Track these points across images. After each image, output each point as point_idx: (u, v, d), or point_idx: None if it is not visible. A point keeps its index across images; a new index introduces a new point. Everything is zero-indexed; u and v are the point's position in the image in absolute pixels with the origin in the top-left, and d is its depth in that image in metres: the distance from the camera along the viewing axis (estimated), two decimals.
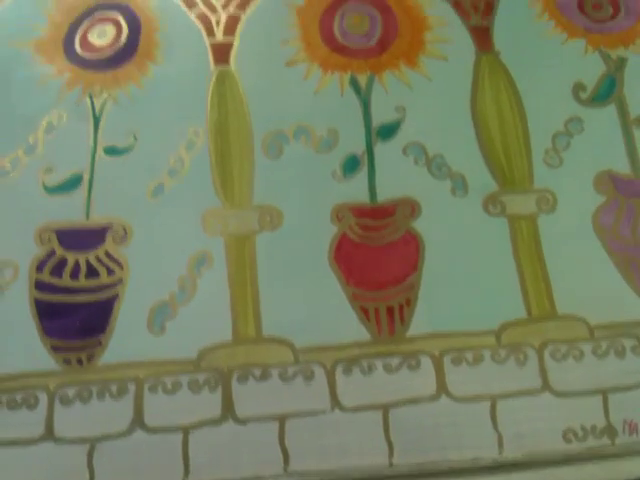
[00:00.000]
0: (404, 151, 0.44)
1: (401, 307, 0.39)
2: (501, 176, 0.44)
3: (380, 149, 0.44)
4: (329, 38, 0.47)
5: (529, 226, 0.43)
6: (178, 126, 0.44)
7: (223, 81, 0.45)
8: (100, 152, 0.43)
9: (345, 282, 0.40)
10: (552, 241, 0.42)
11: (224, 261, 0.40)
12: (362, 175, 0.43)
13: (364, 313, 0.39)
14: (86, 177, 0.42)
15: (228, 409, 0.37)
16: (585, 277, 0.41)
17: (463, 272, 0.41)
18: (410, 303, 0.39)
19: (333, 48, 0.47)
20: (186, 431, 0.36)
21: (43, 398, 0.36)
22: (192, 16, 0.47)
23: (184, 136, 0.43)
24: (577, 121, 0.46)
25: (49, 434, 0.36)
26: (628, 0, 0.49)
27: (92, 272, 0.39)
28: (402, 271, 0.41)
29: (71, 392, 0.37)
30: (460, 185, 0.43)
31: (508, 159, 0.44)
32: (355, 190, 0.43)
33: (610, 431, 0.37)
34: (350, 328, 0.39)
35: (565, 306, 0.41)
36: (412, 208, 0.43)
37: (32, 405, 0.36)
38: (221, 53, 0.46)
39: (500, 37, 0.48)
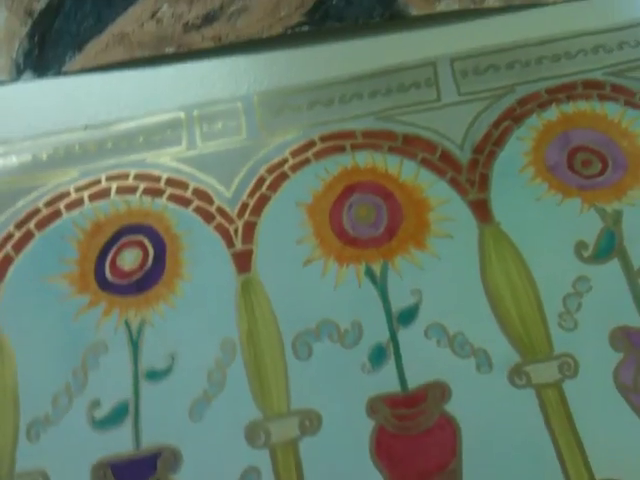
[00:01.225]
0: (426, 334, 0.48)
1: None
2: (521, 346, 0.47)
3: (403, 335, 0.48)
4: (340, 232, 0.51)
5: (556, 394, 0.46)
6: (211, 340, 0.48)
7: (248, 289, 0.49)
8: (142, 378, 0.46)
9: (389, 478, 0.43)
10: (580, 406, 0.45)
11: (271, 473, 0.43)
12: (390, 364, 0.47)
13: None
14: (132, 405, 0.45)
15: None
16: (616, 439, 0.44)
17: (500, 451, 0.44)
18: None
19: (345, 241, 0.51)
20: None
21: None
22: (211, 229, 0.51)
23: (218, 350, 0.47)
24: (584, 280, 0.49)
25: None
26: (614, 153, 0.53)
27: None
28: (443, 458, 0.44)
29: None
30: (484, 361, 0.47)
31: (525, 328, 0.48)
32: (386, 380, 0.46)
33: None
34: None
35: (602, 471, 0.43)
36: (442, 391, 0.46)
37: None
38: (243, 261, 0.50)
39: (498, 208, 0.52)
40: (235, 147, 0.56)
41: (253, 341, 0.48)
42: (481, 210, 0.53)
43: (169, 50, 0.61)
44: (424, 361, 0.47)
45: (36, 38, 0.62)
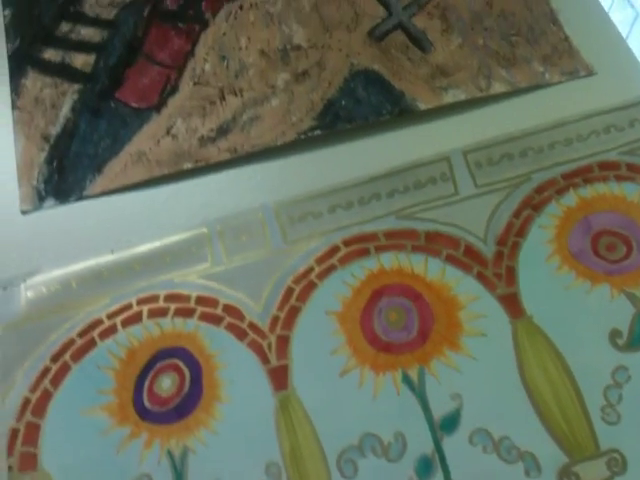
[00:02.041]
0: (470, 440, 0.48)
1: None
2: (567, 445, 0.48)
3: (448, 444, 0.48)
4: (373, 339, 0.52)
5: None
6: (255, 465, 0.49)
7: (287, 407, 0.50)
8: None
9: None
10: None
11: None
12: (438, 476, 0.47)
13: None
14: None
15: None
16: None
17: None
18: None
19: (379, 348, 0.52)
20: None
21: None
22: (245, 346, 0.52)
23: (263, 474, 0.48)
24: (622, 370, 0.50)
25: None
26: (638, 235, 0.54)
27: None
28: None
29: None
30: (532, 465, 0.47)
31: (569, 425, 0.48)
32: None
33: None
34: None
35: None
36: None
37: None
38: (279, 378, 0.51)
39: (529, 301, 0.53)
40: (260, 259, 0.57)
41: (297, 462, 0.49)
42: (512, 304, 0.54)
43: (187, 166, 0.63)
44: (471, 471, 0.48)
45: (55, 163, 0.65)
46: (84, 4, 0.74)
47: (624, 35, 0.69)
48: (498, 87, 0.66)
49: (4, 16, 0.73)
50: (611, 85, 0.65)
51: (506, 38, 0.70)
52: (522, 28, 0.70)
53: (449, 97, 0.66)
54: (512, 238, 0.57)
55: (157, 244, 0.59)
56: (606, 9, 0.70)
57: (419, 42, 0.70)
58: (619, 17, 0.82)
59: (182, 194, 0.63)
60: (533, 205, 0.58)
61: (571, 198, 0.58)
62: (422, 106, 0.65)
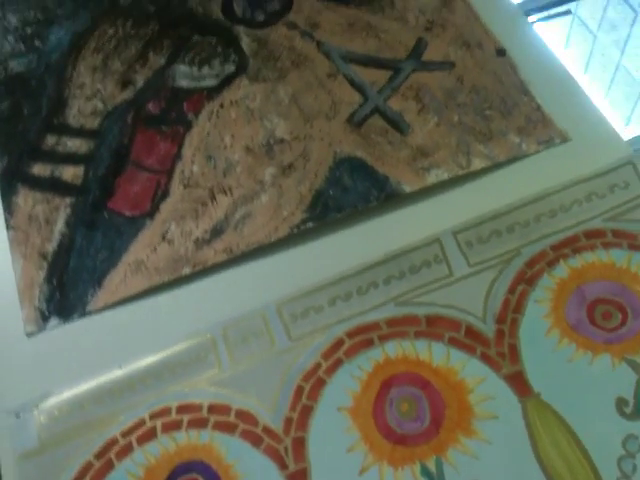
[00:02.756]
0: None
1: None
2: None
3: None
4: (387, 432, 0.54)
5: None
6: None
7: None
8: None
9: None
10: None
11: None
12: None
13: None
14: None
15: None
16: None
17: None
18: None
19: (395, 441, 0.53)
20: None
21: None
22: (261, 452, 0.53)
23: None
24: (633, 439, 0.51)
25: None
26: (631, 301, 0.56)
27: None
28: None
29: None
30: None
31: None
32: None
33: None
34: None
35: None
36: None
37: None
38: None
39: (534, 377, 0.54)
40: (267, 359, 0.59)
41: None
42: (518, 383, 0.55)
43: (186, 271, 0.64)
44: None
45: (55, 281, 0.66)
46: (67, 115, 0.76)
47: None
48: (478, 163, 0.69)
49: None
50: (587, 150, 0.68)
51: (480, 113, 0.73)
52: (495, 101, 0.73)
53: (432, 177, 0.68)
54: (510, 315, 0.58)
55: (164, 354, 0.60)
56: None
57: (397, 124, 0.72)
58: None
59: (183, 300, 0.64)
60: (526, 279, 0.60)
61: (562, 269, 0.60)
62: (407, 189, 0.68)
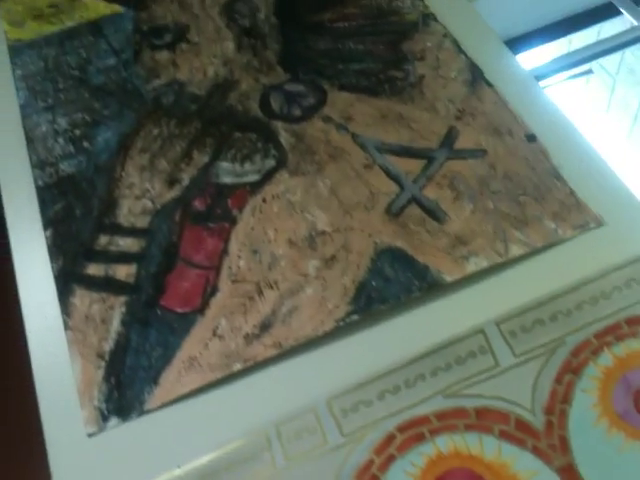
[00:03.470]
0: None
1: None
2: None
3: None
4: None
5: None
6: None
7: None
8: None
9: None
10: None
11: None
12: None
13: None
14: None
15: None
16: None
17: None
18: None
19: None
20: None
21: None
22: None
23: None
24: None
25: None
26: None
27: None
28: None
29: None
30: None
31: None
32: None
33: None
34: None
35: None
36: None
37: None
38: None
39: (586, 469, 0.56)
40: (320, 456, 0.60)
41: None
42: (571, 476, 0.57)
43: (237, 367, 0.67)
44: None
45: (112, 380, 0.68)
46: (118, 215, 0.80)
47: None
48: (516, 250, 0.71)
49: (46, 237, 0.78)
50: (623, 234, 0.70)
51: (515, 199, 0.75)
52: (528, 187, 0.76)
53: (471, 266, 0.70)
54: (558, 406, 0.60)
55: (220, 453, 0.62)
56: None
57: (433, 213, 0.75)
58: None
59: (236, 396, 0.66)
60: (572, 369, 0.61)
61: (607, 358, 0.61)
62: (447, 278, 0.70)
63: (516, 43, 1.73)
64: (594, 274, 0.66)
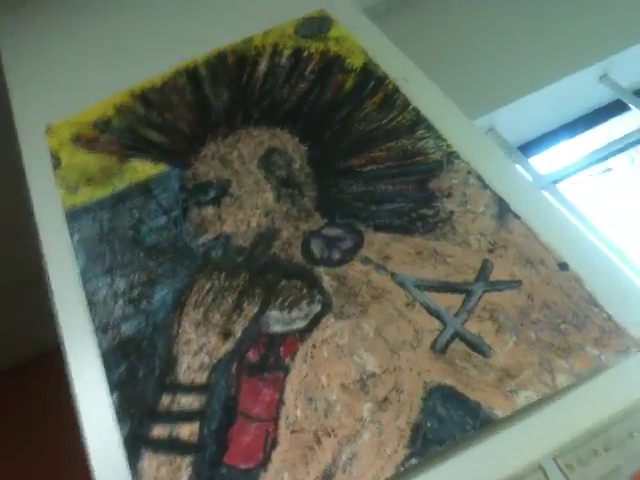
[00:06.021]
0: None
1: None
2: None
3: None
4: None
5: None
6: None
7: None
8: None
9: None
10: None
11: None
12: None
13: None
14: None
15: None
16: None
17: None
18: None
19: None
20: None
21: None
22: None
23: None
24: None
25: None
26: None
27: None
28: None
29: None
30: None
31: None
32: None
33: None
34: None
35: None
36: None
37: None
38: None
39: None
40: None
41: None
42: None
43: None
44: None
45: None
46: (178, 372, 0.84)
47: None
48: (563, 380, 0.73)
49: (112, 401, 0.83)
50: None
51: (556, 328, 0.78)
52: (567, 315, 0.78)
53: (522, 400, 0.72)
54: None
55: None
56: None
57: (478, 347, 0.78)
58: None
59: None
60: None
61: None
62: (500, 414, 0.72)
63: (531, 146, 1.80)
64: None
